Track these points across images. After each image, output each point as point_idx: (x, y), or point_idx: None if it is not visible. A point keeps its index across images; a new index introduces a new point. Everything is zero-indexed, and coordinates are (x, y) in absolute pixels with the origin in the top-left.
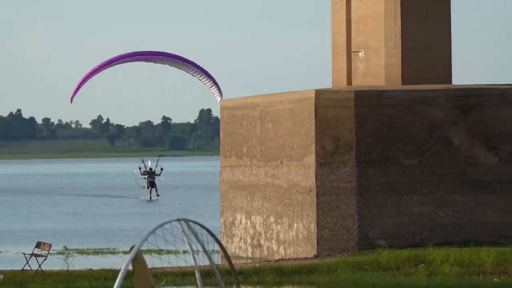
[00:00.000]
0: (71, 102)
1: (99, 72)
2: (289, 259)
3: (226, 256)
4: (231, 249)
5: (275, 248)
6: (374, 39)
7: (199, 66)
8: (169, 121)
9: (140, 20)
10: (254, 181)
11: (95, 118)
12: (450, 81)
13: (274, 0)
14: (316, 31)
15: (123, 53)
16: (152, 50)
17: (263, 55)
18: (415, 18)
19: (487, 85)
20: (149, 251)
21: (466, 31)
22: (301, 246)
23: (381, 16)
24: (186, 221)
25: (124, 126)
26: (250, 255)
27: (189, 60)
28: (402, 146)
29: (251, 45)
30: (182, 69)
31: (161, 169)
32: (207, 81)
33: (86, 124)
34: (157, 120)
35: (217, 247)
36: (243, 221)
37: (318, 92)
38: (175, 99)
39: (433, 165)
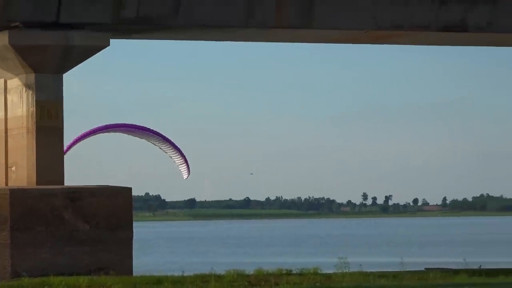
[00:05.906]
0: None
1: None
2: None
3: None
4: None
5: None
6: (21, 159)
7: (172, 142)
8: None
9: None
10: None
11: None
12: (63, 183)
13: None
14: None
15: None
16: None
17: None
18: (46, 148)
19: (84, 186)
20: None
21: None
22: None
23: (24, 148)
24: None
25: None
26: None
27: (165, 137)
28: None
29: None
30: (157, 145)
31: None
32: (177, 158)
33: None
34: None
35: None
36: None
37: None
38: None
39: None
